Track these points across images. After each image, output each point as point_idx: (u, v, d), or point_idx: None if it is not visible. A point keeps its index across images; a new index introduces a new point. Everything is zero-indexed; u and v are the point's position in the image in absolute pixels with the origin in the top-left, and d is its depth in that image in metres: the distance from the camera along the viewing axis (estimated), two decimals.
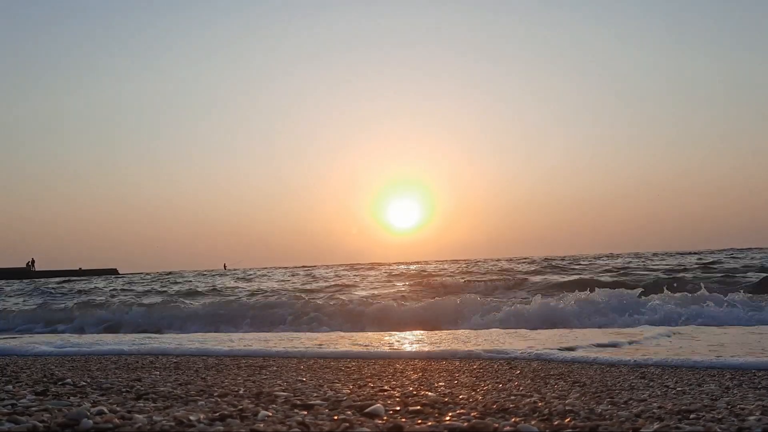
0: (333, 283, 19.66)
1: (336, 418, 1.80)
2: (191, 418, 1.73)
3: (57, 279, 38.35)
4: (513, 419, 1.81)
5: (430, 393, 2.58)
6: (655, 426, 1.70)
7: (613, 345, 5.60)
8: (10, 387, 2.55)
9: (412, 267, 34.70)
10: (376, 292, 15.26)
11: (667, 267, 20.42)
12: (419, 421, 1.75)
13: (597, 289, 9.58)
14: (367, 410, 1.92)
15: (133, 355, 5.43)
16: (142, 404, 2.09)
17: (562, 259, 34.74)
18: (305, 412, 1.92)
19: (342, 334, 7.85)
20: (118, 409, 1.92)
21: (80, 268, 60.27)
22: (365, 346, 6.03)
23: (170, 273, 48.20)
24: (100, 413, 1.78)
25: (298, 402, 2.14)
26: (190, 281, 26.57)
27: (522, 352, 5.09)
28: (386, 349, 5.71)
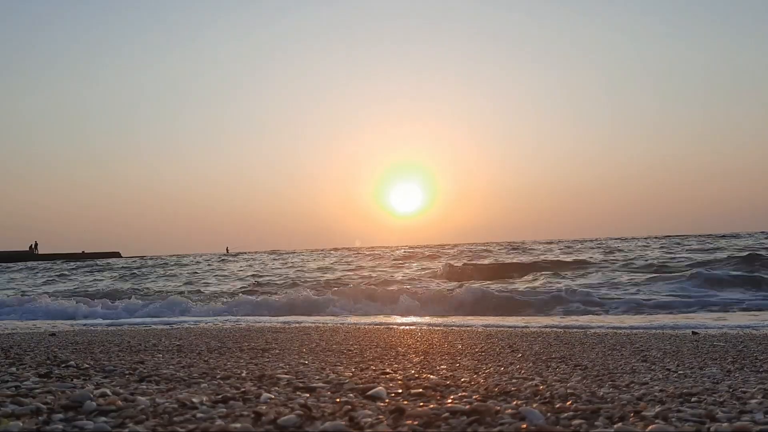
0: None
1: (338, 400, 1.81)
2: (194, 400, 1.73)
3: (71, 263, 38.60)
4: (515, 402, 1.81)
5: (432, 376, 2.59)
6: (657, 409, 1.71)
7: None
8: (14, 369, 2.57)
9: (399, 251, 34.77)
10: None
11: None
12: (421, 404, 1.75)
13: None
14: (369, 393, 1.93)
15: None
16: (145, 386, 2.10)
17: (565, 244, 34.88)
18: (307, 395, 1.92)
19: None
20: (121, 391, 1.93)
21: (83, 252, 60.47)
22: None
23: (177, 255, 48.64)
24: (103, 395, 1.79)
25: (301, 385, 2.15)
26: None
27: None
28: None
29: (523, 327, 6.53)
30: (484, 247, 37.50)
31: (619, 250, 25.89)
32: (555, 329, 6.26)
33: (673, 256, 21.06)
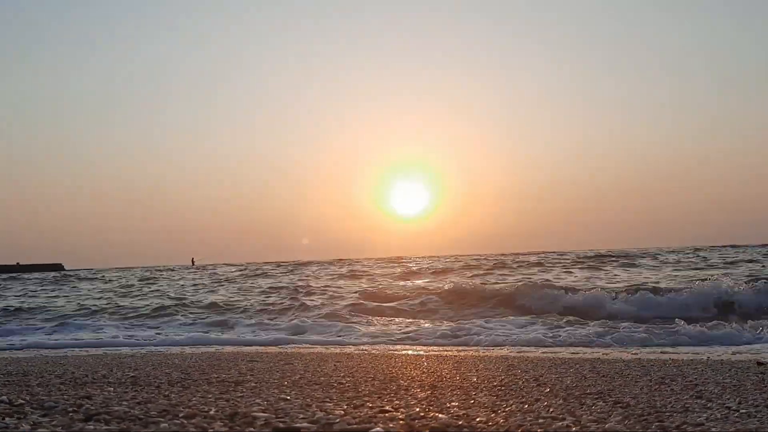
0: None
1: None
2: None
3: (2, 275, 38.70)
4: None
5: (440, 415, 2.59)
6: None
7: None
8: None
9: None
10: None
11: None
12: None
13: None
14: None
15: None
16: (92, 427, 2.10)
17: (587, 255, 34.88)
18: None
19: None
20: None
21: (18, 263, 60.46)
22: None
23: (127, 268, 49.29)
24: None
25: (282, 425, 2.15)
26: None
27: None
28: None
29: (551, 355, 6.53)
30: (498, 259, 37.63)
31: (667, 263, 25.91)
32: (590, 357, 6.27)
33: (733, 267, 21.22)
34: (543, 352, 7.07)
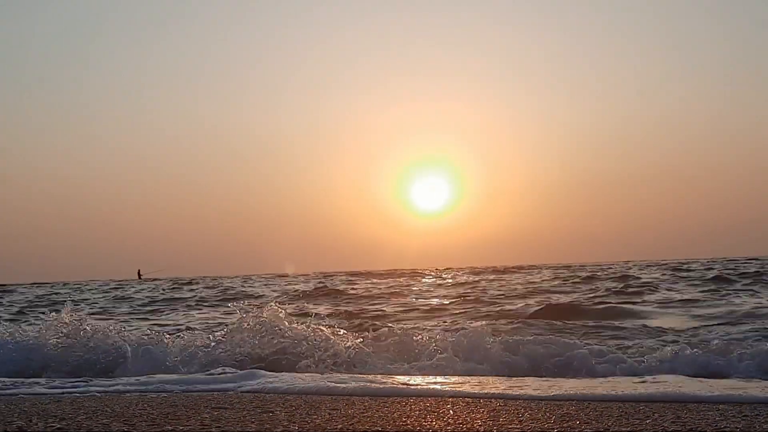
0: None
1: None
2: None
3: None
4: None
5: None
6: None
7: None
8: None
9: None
10: None
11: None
12: None
13: None
14: None
15: None
16: None
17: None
18: None
19: None
20: None
21: None
22: None
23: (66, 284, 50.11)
24: None
25: None
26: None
27: None
28: None
29: (621, 398, 6.11)
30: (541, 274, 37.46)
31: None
32: (673, 401, 5.85)
33: None
34: (605, 390, 6.58)
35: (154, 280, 57.07)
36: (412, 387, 7.20)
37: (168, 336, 10.18)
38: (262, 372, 8.86)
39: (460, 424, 4.76)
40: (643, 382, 7.59)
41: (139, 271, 69.77)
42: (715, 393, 6.28)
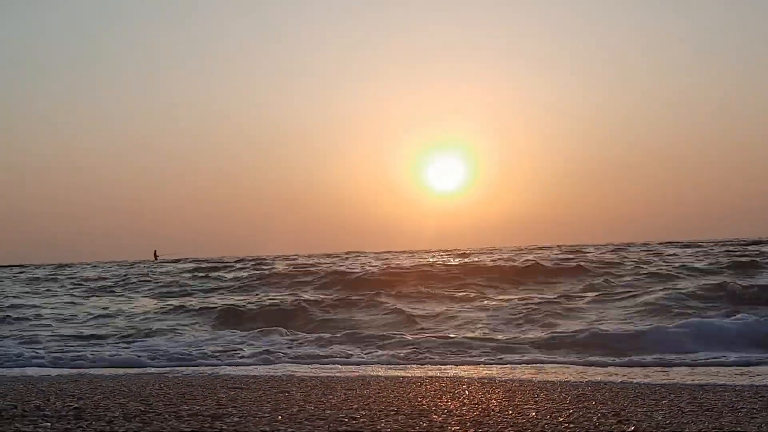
0: None
1: None
2: None
3: None
4: None
5: None
6: None
7: None
8: None
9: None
10: None
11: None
12: None
13: None
14: None
15: None
16: None
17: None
18: None
19: None
20: None
21: None
22: None
23: (66, 265, 50.48)
24: None
25: None
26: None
27: None
28: None
29: (635, 381, 6.15)
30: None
31: None
32: (690, 383, 5.88)
33: None
34: (624, 375, 6.59)
35: (173, 261, 57.34)
36: (428, 367, 7.27)
37: None
38: (278, 353, 8.97)
39: (476, 404, 4.81)
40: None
41: (155, 252, 70.62)
42: None
